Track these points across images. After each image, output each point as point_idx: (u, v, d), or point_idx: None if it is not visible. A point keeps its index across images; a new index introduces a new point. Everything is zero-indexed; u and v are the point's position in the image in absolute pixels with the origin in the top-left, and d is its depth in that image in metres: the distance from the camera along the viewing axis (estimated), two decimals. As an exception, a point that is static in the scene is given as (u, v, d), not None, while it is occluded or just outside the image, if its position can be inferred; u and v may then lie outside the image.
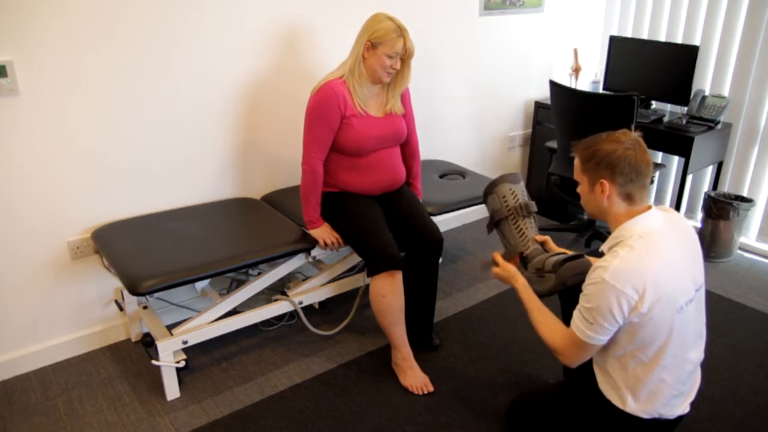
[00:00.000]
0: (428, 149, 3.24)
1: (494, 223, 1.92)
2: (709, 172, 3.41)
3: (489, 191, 1.94)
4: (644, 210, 1.55)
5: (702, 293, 1.60)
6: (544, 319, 1.66)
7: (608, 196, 1.54)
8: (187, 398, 2.14)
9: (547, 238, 1.89)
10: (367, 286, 2.34)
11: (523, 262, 1.84)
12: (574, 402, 1.73)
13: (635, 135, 1.56)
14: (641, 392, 1.55)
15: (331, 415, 2.05)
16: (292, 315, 2.60)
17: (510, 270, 1.81)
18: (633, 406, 1.56)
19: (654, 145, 3.23)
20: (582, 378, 1.68)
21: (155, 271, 1.96)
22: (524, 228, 1.87)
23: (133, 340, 2.46)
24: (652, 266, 1.44)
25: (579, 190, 1.64)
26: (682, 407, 1.62)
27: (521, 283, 1.76)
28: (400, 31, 2.10)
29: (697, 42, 3.30)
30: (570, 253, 1.78)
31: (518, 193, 1.90)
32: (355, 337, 2.49)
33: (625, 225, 1.54)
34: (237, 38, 2.42)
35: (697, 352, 1.62)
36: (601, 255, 1.58)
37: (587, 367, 1.65)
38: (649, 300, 1.43)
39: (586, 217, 3.45)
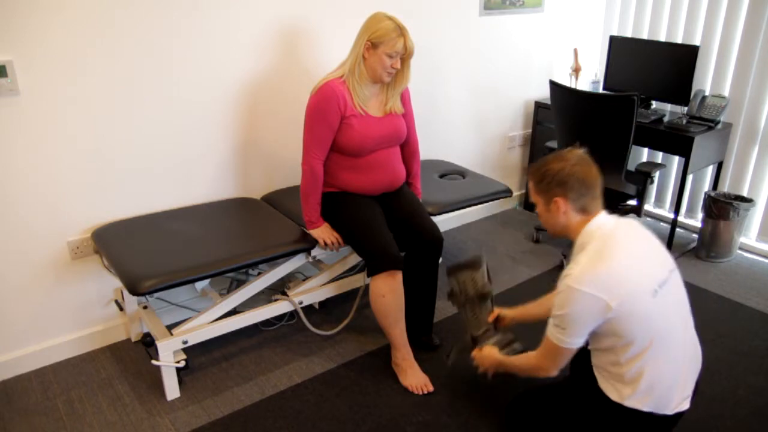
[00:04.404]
0: (428, 149, 3.24)
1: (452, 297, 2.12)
2: (709, 172, 3.41)
3: (452, 272, 2.10)
4: (596, 215, 1.64)
5: (677, 274, 1.64)
6: (518, 359, 1.81)
7: (564, 212, 1.63)
8: (187, 398, 2.14)
9: (497, 314, 2.07)
10: (367, 286, 2.34)
11: (474, 342, 2.07)
12: (574, 400, 1.74)
13: (580, 151, 1.66)
14: (637, 384, 1.56)
15: (331, 415, 2.05)
16: (292, 315, 2.60)
17: (487, 358, 1.94)
18: (630, 399, 1.57)
19: (654, 145, 3.23)
20: (582, 375, 1.69)
21: (155, 271, 1.96)
22: (479, 313, 2.07)
23: (133, 340, 2.46)
24: (613, 263, 1.51)
25: (537, 210, 1.73)
26: (681, 399, 1.62)
27: (499, 359, 1.90)
28: (400, 31, 2.10)
29: (697, 42, 3.30)
30: (497, 338, 2.02)
31: (478, 280, 2.06)
32: (355, 337, 2.49)
33: (582, 233, 1.62)
34: (237, 38, 2.42)
35: (687, 336, 1.63)
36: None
37: (588, 364, 1.67)
38: (616, 296, 1.48)
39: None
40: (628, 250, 1.55)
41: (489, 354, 1.94)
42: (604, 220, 1.62)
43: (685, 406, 1.63)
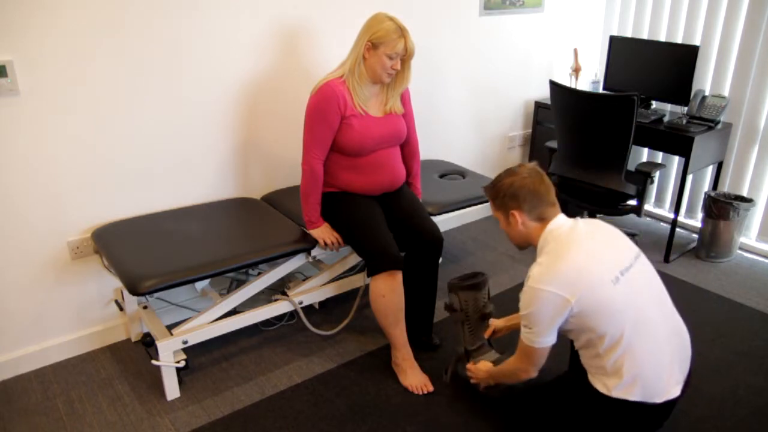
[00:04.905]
0: (428, 149, 3.24)
1: (452, 311, 2.13)
2: (709, 172, 3.41)
3: (454, 289, 2.11)
4: (554, 218, 1.71)
5: (644, 260, 1.70)
6: (503, 366, 1.87)
7: (522, 223, 1.72)
8: (187, 398, 2.14)
9: (493, 328, 2.11)
10: (367, 286, 2.34)
11: (468, 355, 2.11)
12: (568, 396, 1.77)
13: (531, 165, 1.75)
14: (620, 374, 1.58)
15: (331, 415, 2.05)
16: (292, 315, 2.60)
17: (480, 370, 1.99)
18: (616, 389, 1.60)
19: (654, 145, 3.23)
20: (576, 373, 1.72)
21: (155, 271, 1.96)
22: (476, 330, 2.11)
23: (133, 340, 2.46)
24: (569, 260, 1.58)
25: (501, 227, 1.82)
26: (670, 386, 1.63)
27: (490, 370, 1.95)
28: (401, 32, 2.10)
29: (697, 42, 3.30)
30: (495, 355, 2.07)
31: (479, 300, 2.10)
32: (355, 337, 2.49)
33: (541, 237, 1.70)
34: (237, 38, 2.42)
35: (665, 320, 1.65)
36: None
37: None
38: (575, 291, 1.55)
39: (586, 215, 3.44)
40: (584, 246, 1.61)
41: (482, 366, 2.00)
42: (560, 222, 1.69)
43: (675, 393, 1.64)
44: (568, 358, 2.04)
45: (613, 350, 1.58)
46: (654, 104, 3.43)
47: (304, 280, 2.49)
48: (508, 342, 2.17)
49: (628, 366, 1.58)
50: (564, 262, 1.58)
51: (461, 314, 2.10)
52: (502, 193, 1.73)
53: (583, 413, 1.71)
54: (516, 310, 2.15)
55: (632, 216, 3.58)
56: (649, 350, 1.59)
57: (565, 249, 1.60)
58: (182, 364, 2.09)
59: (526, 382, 1.80)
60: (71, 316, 2.34)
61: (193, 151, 2.45)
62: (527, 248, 1.81)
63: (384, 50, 2.10)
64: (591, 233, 1.66)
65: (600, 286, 1.56)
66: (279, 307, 2.35)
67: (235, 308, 2.31)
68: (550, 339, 1.63)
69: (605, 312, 1.56)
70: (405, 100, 2.35)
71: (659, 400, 1.61)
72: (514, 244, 1.82)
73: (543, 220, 1.71)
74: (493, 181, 1.78)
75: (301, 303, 2.37)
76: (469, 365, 2.06)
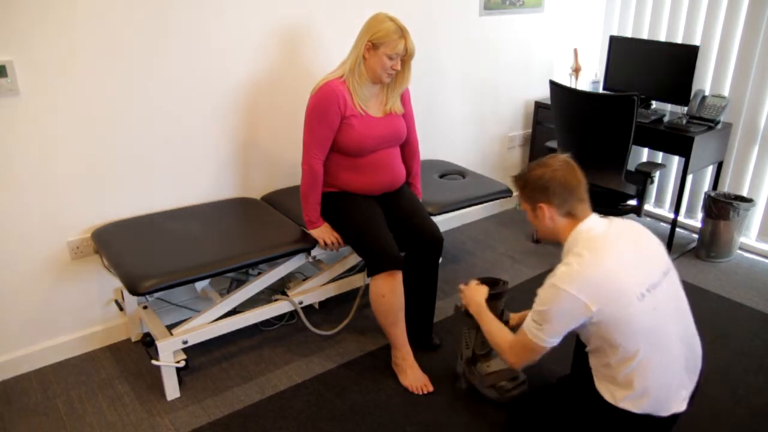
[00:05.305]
0: (428, 149, 3.24)
1: (467, 316, 2.05)
2: (709, 172, 3.41)
3: None
4: (586, 218, 1.63)
5: (673, 276, 1.63)
6: (496, 326, 1.80)
7: (550, 218, 1.64)
8: (187, 398, 2.14)
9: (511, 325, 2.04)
10: (367, 286, 2.34)
11: (473, 360, 2.11)
12: (572, 400, 1.74)
13: (564, 156, 1.67)
14: (630, 388, 1.55)
15: (331, 415, 2.05)
16: (292, 315, 2.60)
17: (473, 299, 1.94)
18: (624, 401, 1.57)
19: (654, 145, 3.23)
20: (581, 376, 1.69)
21: (155, 271, 1.96)
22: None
23: (133, 340, 2.46)
24: (598, 267, 1.51)
25: (528, 218, 1.75)
26: (678, 402, 1.61)
27: (481, 309, 1.89)
28: (402, 32, 2.10)
29: (697, 42, 3.30)
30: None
31: (496, 309, 2.01)
32: (355, 337, 2.49)
33: (570, 236, 1.63)
34: (237, 38, 2.42)
35: (684, 339, 1.60)
36: None
37: (588, 365, 1.67)
38: (597, 300, 1.48)
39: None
40: (615, 255, 1.54)
41: (477, 297, 1.94)
42: (592, 224, 1.62)
43: (682, 407, 1.62)
44: (571, 360, 2.03)
45: (624, 364, 1.54)
46: (654, 104, 3.43)
47: (304, 280, 2.49)
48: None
49: (638, 381, 1.54)
50: (592, 267, 1.51)
51: (474, 320, 2.04)
52: (531, 185, 1.66)
53: (587, 419, 1.67)
54: (515, 309, 2.16)
55: (632, 216, 3.58)
56: (662, 369, 1.55)
57: (595, 254, 1.53)
58: (182, 364, 2.09)
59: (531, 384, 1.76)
60: (71, 316, 2.34)
61: (193, 151, 2.45)
62: (553, 242, 1.76)
63: (384, 50, 2.09)
64: (624, 240, 1.59)
65: (625, 300, 1.50)
66: (279, 307, 2.35)
67: (235, 308, 2.31)
68: (555, 341, 1.58)
69: (624, 327, 1.51)
70: (405, 100, 2.35)
71: (665, 414, 1.58)
72: (540, 236, 1.76)
73: (572, 216, 1.63)
74: (523, 171, 1.71)
75: (301, 303, 2.37)
76: (463, 287, 2.02)
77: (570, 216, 1.63)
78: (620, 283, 1.50)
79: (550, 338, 1.57)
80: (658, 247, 1.65)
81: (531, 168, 1.68)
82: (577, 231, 1.61)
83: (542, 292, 1.57)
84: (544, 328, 1.56)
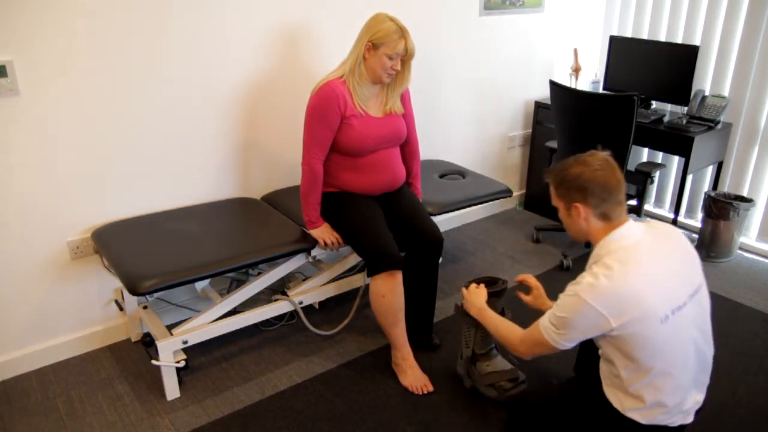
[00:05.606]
0: (428, 149, 3.24)
1: (466, 316, 2.05)
2: (709, 172, 3.41)
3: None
4: (621, 223, 1.56)
5: (701, 297, 1.58)
6: (501, 322, 1.80)
7: (585, 218, 1.57)
8: (187, 398, 2.14)
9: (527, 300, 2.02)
10: (367, 286, 2.34)
11: (473, 360, 2.11)
12: (577, 402, 1.73)
13: (603, 154, 1.58)
14: (639, 401, 1.53)
15: (331, 415, 2.05)
16: (292, 315, 2.60)
17: (474, 303, 1.94)
18: (631, 411, 1.55)
19: (654, 145, 3.23)
20: (587, 379, 1.68)
21: (155, 271, 1.96)
22: (487, 334, 2.04)
23: (133, 340, 2.46)
24: (625, 282, 1.45)
25: (559, 215, 1.68)
26: (686, 416, 1.59)
27: (483, 309, 1.90)
28: (402, 32, 2.10)
29: (697, 42, 3.30)
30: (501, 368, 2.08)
31: (497, 307, 2.03)
32: (355, 337, 2.49)
33: (602, 242, 1.56)
34: (237, 38, 2.42)
35: (700, 359, 1.58)
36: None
37: (595, 367, 1.66)
38: (620, 317, 1.44)
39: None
40: (644, 272, 1.47)
41: (478, 301, 1.93)
42: (627, 232, 1.54)
43: (689, 420, 1.60)
44: (574, 361, 2.03)
45: (636, 379, 1.52)
46: (654, 104, 3.43)
47: (304, 280, 2.49)
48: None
49: (648, 396, 1.52)
50: (619, 284, 1.44)
51: (474, 319, 2.05)
52: (567, 183, 1.57)
53: (591, 423, 1.66)
54: (516, 309, 2.16)
55: (632, 216, 3.58)
56: (674, 387, 1.52)
57: (624, 269, 1.46)
58: (182, 364, 2.09)
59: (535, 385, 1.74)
60: (71, 316, 2.34)
61: (193, 151, 2.45)
62: (584, 242, 1.71)
63: (384, 50, 2.10)
64: (657, 255, 1.52)
65: (648, 321, 1.45)
66: (279, 307, 2.35)
67: (235, 308, 2.31)
68: (569, 345, 1.55)
69: (642, 345, 1.47)
70: (405, 100, 2.35)
71: (672, 425, 1.57)
72: (570, 236, 1.67)
73: (607, 218, 1.55)
74: (559, 167, 1.61)
75: (301, 303, 2.37)
76: (464, 290, 2.02)
77: (605, 218, 1.55)
78: (645, 305, 1.45)
79: (566, 342, 1.55)
80: (692, 264, 1.59)
81: (568, 165, 1.58)
82: (610, 238, 1.54)
83: (565, 299, 1.52)
84: (561, 332, 1.53)
